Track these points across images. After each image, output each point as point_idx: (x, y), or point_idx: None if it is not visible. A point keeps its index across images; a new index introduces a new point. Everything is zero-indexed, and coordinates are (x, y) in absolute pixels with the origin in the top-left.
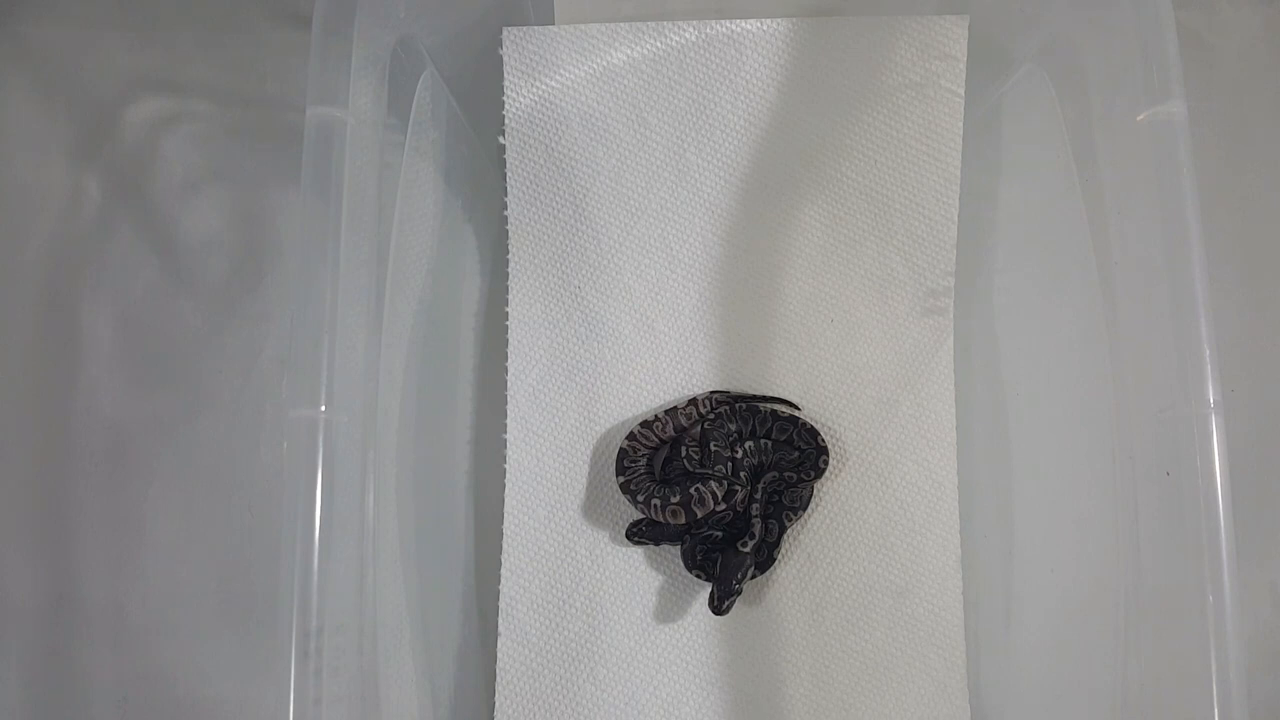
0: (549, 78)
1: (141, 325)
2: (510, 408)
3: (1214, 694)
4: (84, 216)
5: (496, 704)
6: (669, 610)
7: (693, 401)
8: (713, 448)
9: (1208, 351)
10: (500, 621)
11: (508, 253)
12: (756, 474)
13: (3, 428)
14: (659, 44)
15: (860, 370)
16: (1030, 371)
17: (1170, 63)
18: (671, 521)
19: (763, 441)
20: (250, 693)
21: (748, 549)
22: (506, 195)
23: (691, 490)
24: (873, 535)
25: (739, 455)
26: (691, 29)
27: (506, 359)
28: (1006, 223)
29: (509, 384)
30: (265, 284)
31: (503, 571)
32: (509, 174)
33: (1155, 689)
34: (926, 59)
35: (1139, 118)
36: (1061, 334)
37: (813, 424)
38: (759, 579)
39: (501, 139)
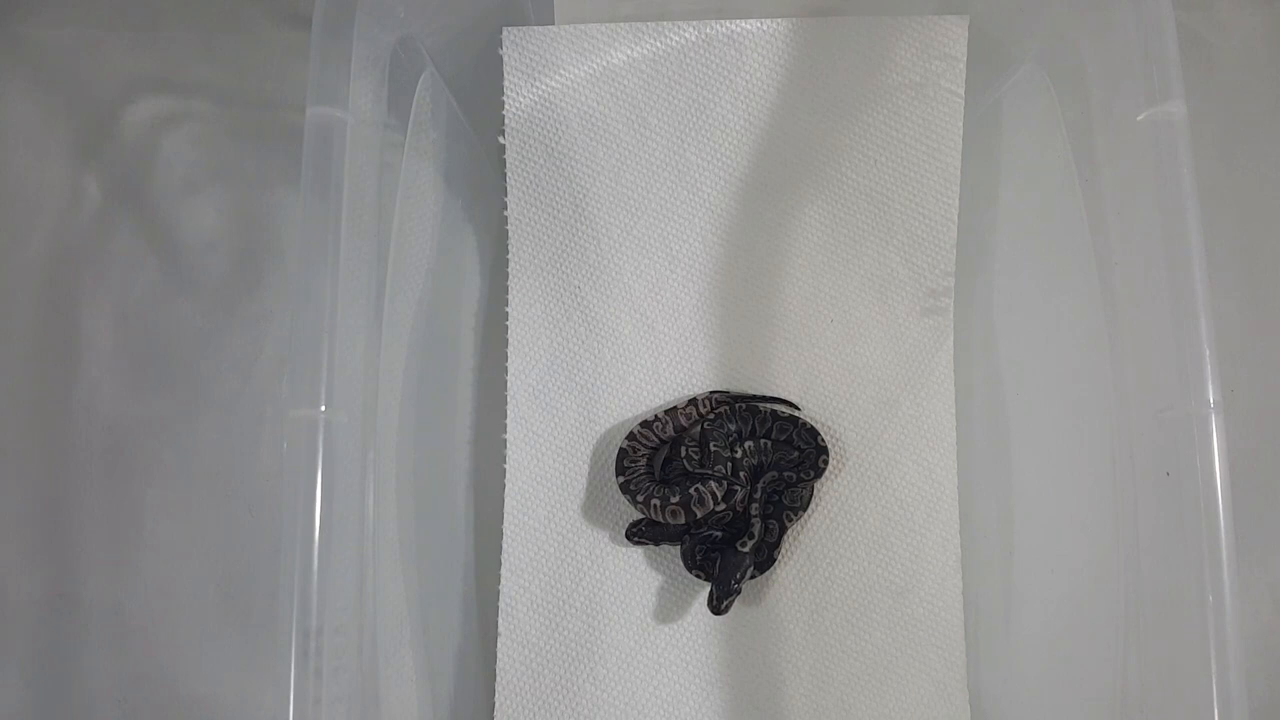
0: (549, 78)
1: (141, 325)
2: (510, 408)
3: (1214, 694)
4: (84, 216)
5: (496, 704)
6: (669, 610)
7: (693, 401)
8: (712, 448)
9: (1208, 351)
10: (500, 621)
11: (508, 253)
12: (756, 474)
13: (3, 428)
14: (659, 44)
15: (860, 370)
16: (1030, 372)
17: (1170, 63)
18: (671, 521)
19: (762, 441)
20: (250, 693)
21: (747, 549)
22: (506, 195)
23: (691, 490)
24: (873, 535)
25: (739, 455)
26: (691, 29)
27: (506, 359)
28: (1006, 223)
29: (509, 384)
30: (265, 284)
31: (503, 571)
32: (509, 174)
33: (1155, 689)
34: (926, 59)
35: (1139, 118)
36: (1061, 334)
37: (812, 424)
38: (759, 579)
39: (501, 139)
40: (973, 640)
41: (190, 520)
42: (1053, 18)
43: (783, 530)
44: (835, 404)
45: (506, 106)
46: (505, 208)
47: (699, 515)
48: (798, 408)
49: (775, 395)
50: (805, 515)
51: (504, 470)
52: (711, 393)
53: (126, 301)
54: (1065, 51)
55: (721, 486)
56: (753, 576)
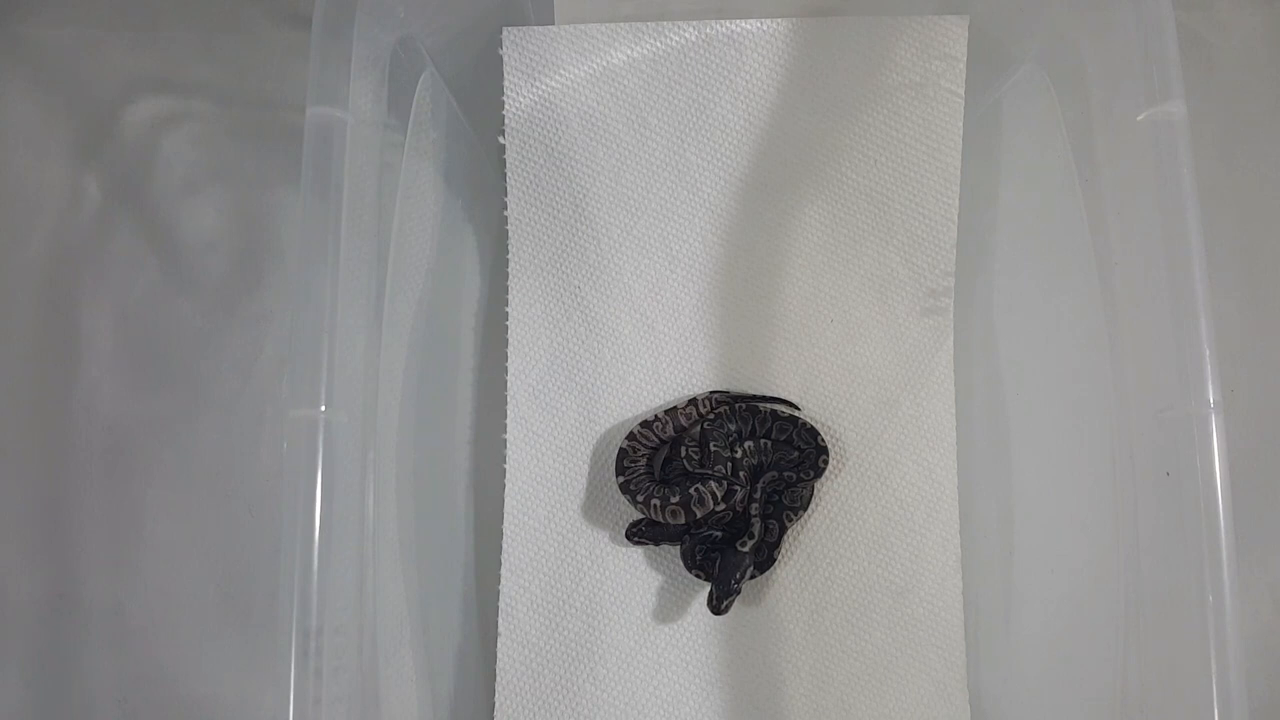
0: (549, 78)
1: (141, 325)
2: (510, 408)
3: (1214, 694)
4: (84, 216)
5: (496, 704)
6: (669, 610)
7: (693, 401)
8: (712, 448)
9: (1208, 351)
10: (500, 621)
11: (508, 253)
12: (756, 474)
13: (3, 428)
14: (659, 44)
15: (860, 370)
16: (1030, 372)
17: (1170, 63)
18: (671, 521)
19: (762, 441)
20: (250, 693)
21: (747, 549)
22: (506, 195)
23: (691, 490)
24: (873, 535)
25: (739, 455)
26: (691, 29)
27: (506, 359)
28: (1006, 223)
29: (509, 384)
30: (265, 284)
31: (503, 571)
32: (509, 174)
33: (1155, 689)
34: (926, 59)
35: (1139, 118)
36: (1061, 334)
37: (812, 424)
38: (759, 579)
39: (501, 139)
40: (973, 640)
41: (190, 520)
42: (1053, 18)
43: (783, 530)
44: (835, 404)
45: (506, 106)
46: (505, 208)
47: (699, 515)
48: (798, 408)
49: (775, 395)
50: (805, 515)
51: (504, 470)
52: (711, 393)
53: (126, 301)
54: (1065, 51)
55: (721, 486)
56: (753, 576)
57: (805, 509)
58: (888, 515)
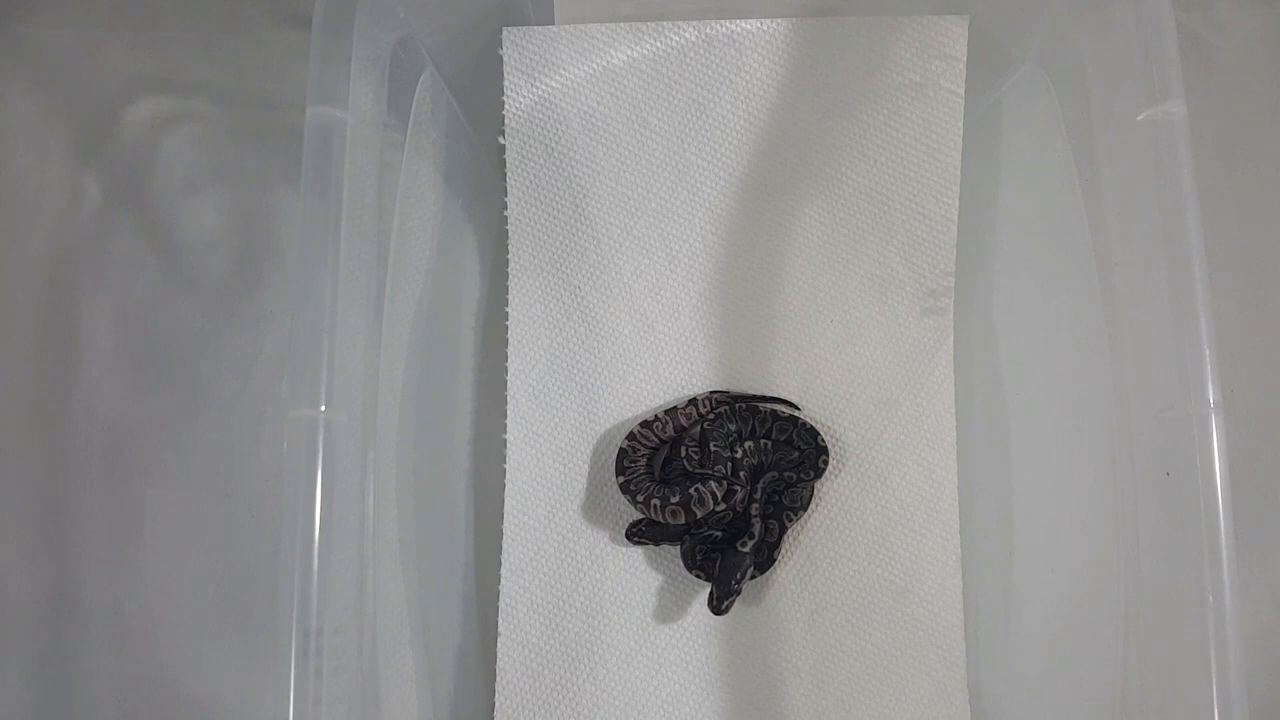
0: (549, 78)
1: (141, 325)
2: (510, 408)
3: (1214, 694)
4: (84, 216)
5: (496, 704)
6: (669, 610)
7: (693, 401)
8: (712, 448)
9: (1208, 351)
10: (500, 621)
11: (508, 253)
12: (756, 474)
13: (3, 428)
14: (659, 44)
15: (860, 370)
16: (1030, 372)
17: (1170, 63)
18: (671, 521)
19: (762, 441)
20: (250, 693)
21: (747, 549)
22: (506, 195)
23: (691, 490)
24: (873, 535)
25: (739, 455)
26: (691, 29)
27: (506, 359)
28: (1006, 223)
29: (509, 384)
30: (265, 284)
31: (503, 571)
32: (509, 174)
33: (1155, 689)
34: (926, 59)
35: (1139, 118)
36: (1061, 334)
37: (812, 424)
38: (759, 579)
39: (501, 139)
40: (973, 640)
41: (190, 520)
42: (1053, 18)
43: (783, 530)
44: (835, 404)
45: (506, 106)
46: (505, 208)
47: (699, 515)
48: (798, 408)
49: (775, 395)
50: (805, 515)
51: (504, 470)
52: (711, 393)
53: (126, 301)
54: (1065, 51)
55: (721, 486)
56: (753, 577)
57: (805, 509)
58: (888, 515)
